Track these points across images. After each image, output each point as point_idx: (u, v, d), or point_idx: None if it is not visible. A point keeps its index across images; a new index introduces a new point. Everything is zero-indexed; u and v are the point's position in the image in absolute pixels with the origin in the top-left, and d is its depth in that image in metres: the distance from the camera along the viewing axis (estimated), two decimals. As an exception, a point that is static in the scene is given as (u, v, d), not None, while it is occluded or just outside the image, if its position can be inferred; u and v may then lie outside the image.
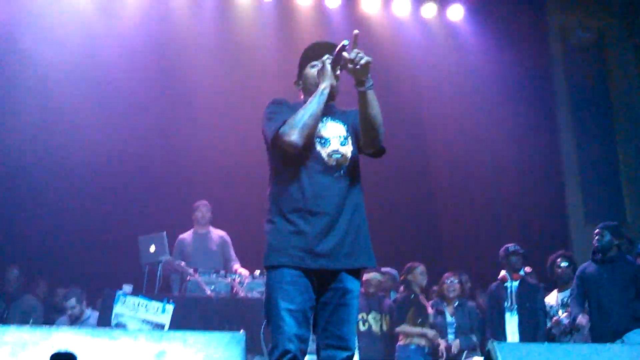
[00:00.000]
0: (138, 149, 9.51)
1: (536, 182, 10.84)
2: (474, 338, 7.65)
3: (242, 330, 3.58)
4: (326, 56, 3.47)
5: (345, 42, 3.36)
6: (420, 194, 10.91)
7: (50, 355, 2.99)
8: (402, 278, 7.76)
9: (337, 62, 3.41)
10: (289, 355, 3.15)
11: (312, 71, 3.60)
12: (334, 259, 3.28)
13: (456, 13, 11.12)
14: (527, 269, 7.93)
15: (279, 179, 3.45)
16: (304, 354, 3.22)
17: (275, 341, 3.19)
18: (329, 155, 3.43)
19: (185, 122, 9.84)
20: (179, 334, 3.19)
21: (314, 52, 3.63)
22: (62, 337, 3.07)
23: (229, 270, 7.61)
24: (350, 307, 3.34)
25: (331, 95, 3.50)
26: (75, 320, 7.36)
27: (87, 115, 9.36)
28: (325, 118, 3.51)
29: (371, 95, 3.37)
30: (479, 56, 11.05)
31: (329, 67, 3.43)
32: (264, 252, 3.38)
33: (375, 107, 3.39)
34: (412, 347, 7.36)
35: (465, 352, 7.55)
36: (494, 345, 3.27)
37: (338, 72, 3.48)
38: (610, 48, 12.09)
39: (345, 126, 3.56)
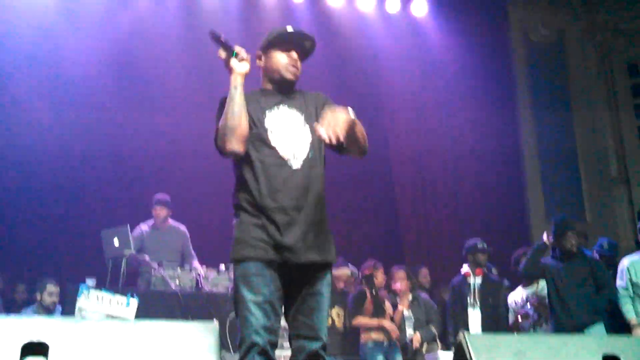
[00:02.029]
0: (101, 143, 9.40)
1: (497, 179, 10.98)
2: (433, 330, 7.73)
3: (214, 321, 3.56)
4: (219, 50, 3.37)
5: (211, 30, 3.34)
6: (381, 189, 10.96)
7: (21, 345, 2.94)
8: (366, 272, 7.75)
9: (228, 49, 3.33)
10: (256, 348, 3.11)
11: (276, 59, 3.49)
12: (297, 252, 3.23)
13: (420, 9, 11.20)
14: (494, 270, 8.01)
15: (239, 174, 3.39)
16: (274, 345, 3.18)
17: (243, 334, 3.16)
18: (285, 147, 3.35)
19: (148, 116, 9.73)
20: (151, 323, 3.16)
21: (281, 39, 3.51)
22: (32, 327, 3.01)
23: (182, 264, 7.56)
24: (319, 296, 3.30)
25: (284, 81, 3.48)
26: (47, 311, 7.32)
27: (47, 108, 9.24)
28: (279, 105, 3.44)
29: (357, 131, 3.30)
30: (442, 52, 11.16)
31: (224, 57, 3.35)
32: (231, 245, 3.33)
33: (362, 134, 3.35)
34: (370, 344, 7.37)
35: (425, 343, 7.64)
36: (464, 337, 3.29)
37: (243, 53, 3.35)
38: (570, 46, 12.28)
39: (303, 115, 3.46)
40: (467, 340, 3.27)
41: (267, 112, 3.41)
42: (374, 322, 7.38)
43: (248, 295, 3.17)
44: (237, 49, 3.36)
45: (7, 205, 8.95)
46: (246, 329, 3.14)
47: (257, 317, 3.13)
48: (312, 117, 3.46)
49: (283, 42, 3.51)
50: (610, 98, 12.13)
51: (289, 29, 3.52)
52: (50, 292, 7.43)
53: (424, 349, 7.63)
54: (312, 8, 10.78)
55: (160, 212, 7.97)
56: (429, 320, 7.79)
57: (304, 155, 3.37)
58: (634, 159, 11.70)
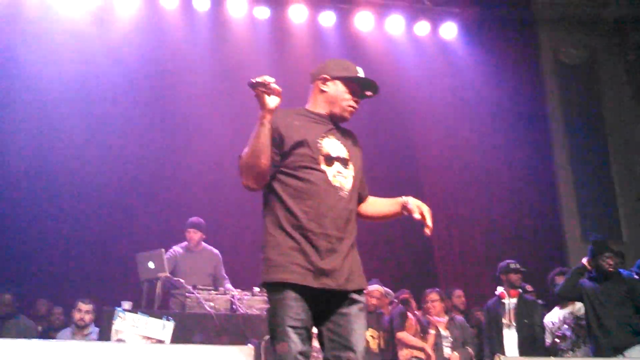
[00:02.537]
0: (135, 167, 9.52)
1: (532, 200, 10.91)
2: (470, 350, 7.69)
3: (249, 345, 3.56)
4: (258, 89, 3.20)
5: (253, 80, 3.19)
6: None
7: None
8: (404, 296, 7.78)
9: (260, 82, 3.18)
10: None
11: (339, 92, 3.49)
12: (335, 279, 3.21)
13: (449, 31, 11.19)
14: (528, 287, 7.98)
15: (282, 193, 3.31)
16: None
17: (281, 357, 3.14)
18: (334, 176, 3.35)
19: (182, 139, 9.87)
20: (188, 348, 3.18)
21: (354, 78, 3.52)
22: (73, 350, 3.04)
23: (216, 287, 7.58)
24: (356, 317, 3.28)
25: (341, 117, 3.52)
26: (82, 328, 7.37)
27: (82, 130, 9.39)
28: (328, 136, 3.44)
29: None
30: (472, 74, 11.14)
31: (259, 92, 3.19)
32: (263, 267, 3.27)
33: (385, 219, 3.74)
34: None
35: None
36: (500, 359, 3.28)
37: (274, 84, 3.22)
38: (601, 65, 12.22)
39: (348, 150, 3.47)
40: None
41: (319, 138, 3.40)
42: (419, 341, 7.40)
43: (287, 321, 3.14)
44: (268, 78, 3.21)
45: (46, 231, 9.07)
46: (284, 355, 3.12)
47: (295, 343, 3.11)
48: (358, 156, 3.53)
49: (355, 84, 3.52)
50: (644, 116, 12.05)
51: (362, 75, 3.53)
52: (80, 309, 7.46)
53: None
54: (341, 32, 10.85)
55: (194, 235, 8.00)
56: (465, 342, 7.75)
57: (349, 187, 3.40)
58: (669, 177, 11.58)
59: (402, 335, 7.48)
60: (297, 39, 10.75)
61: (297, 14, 10.60)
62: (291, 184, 3.32)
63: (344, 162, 3.42)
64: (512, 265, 7.62)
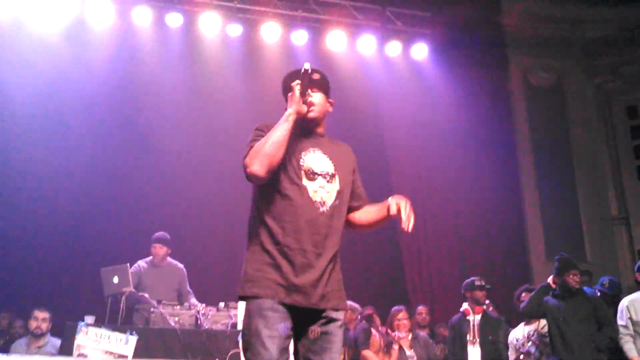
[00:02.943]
0: (101, 181, 9.46)
1: (499, 219, 11.02)
2: None
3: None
4: (295, 82, 3.37)
5: (307, 65, 3.36)
6: (383, 229, 10.94)
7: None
8: (368, 312, 7.75)
9: (305, 86, 3.36)
10: None
11: (293, 97, 3.45)
12: (308, 297, 3.20)
13: (420, 52, 11.25)
14: (487, 302, 8.03)
15: (264, 208, 3.34)
16: None
17: None
18: (315, 190, 3.33)
19: (149, 156, 9.81)
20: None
21: (289, 80, 3.51)
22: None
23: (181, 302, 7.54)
24: (333, 336, 3.27)
25: (315, 120, 3.49)
26: (38, 337, 7.28)
27: (50, 143, 9.31)
28: (313, 149, 3.44)
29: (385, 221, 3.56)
30: (442, 94, 11.23)
31: (297, 92, 3.33)
32: (240, 281, 3.29)
33: (375, 228, 3.65)
34: None
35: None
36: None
37: (311, 98, 3.42)
38: (570, 88, 12.40)
39: (334, 161, 3.46)
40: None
41: (303, 153, 3.40)
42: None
43: (263, 331, 3.12)
44: (311, 91, 3.42)
45: (7, 244, 8.97)
46: None
47: (271, 352, 3.09)
48: (345, 169, 3.50)
49: (299, 83, 3.45)
50: (610, 140, 12.22)
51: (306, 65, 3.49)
52: (37, 317, 7.35)
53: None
54: (313, 51, 10.86)
55: (160, 250, 7.97)
56: (429, 359, 7.75)
57: (331, 202, 3.37)
58: (633, 199, 11.75)
59: (366, 353, 7.46)
60: (269, 57, 10.77)
61: (270, 32, 10.60)
62: (271, 199, 3.33)
63: (329, 176, 3.41)
64: (477, 282, 7.69)
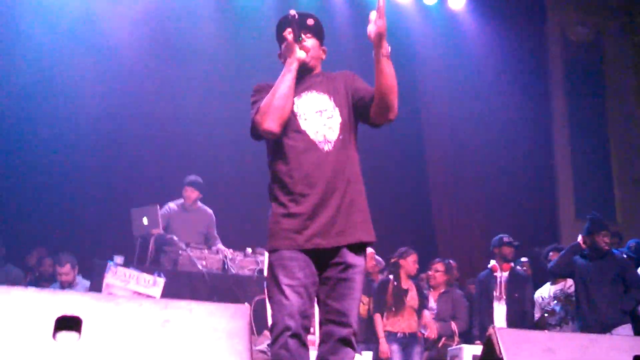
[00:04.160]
0: (132, 123, 9.48)
1: (529, 176, 10.93)
2: (452, 326, 7.68)
3: (246, 304, 3.55)
4: (287, 30, 3.36)
5: (292, 11, 3.34)
6: (414, 183, 10.92)
7: (55, 318, 2.95)
8: (392, 260, 7.71)
9: (297, 33, 3.35)
10: (289, 332, 3.06)
11: (282, 47, 3.48)
12: (326, 236, 3.19)
13: (457, 2, 11.09)
14: (523, 259, 8.01)
15: (272, 163, 3.37)
16: (307, 330, 3.15)
17: (276, 317, 3.12)
18: (315, 131, 3.31)
19: (182, 97, 9.79)
20: (184, 304, 3.15)
21: (280, 28, 3.49)
22: (66, 301, 3.02)
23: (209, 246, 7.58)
24: (351, 282, 3.23)
25: (307, 67, 3.44)
26: (67, 287, 7.38)
27: (83, 87, 9.32)
28: (306, 92, 3.41)
29: (384, 65, 3.21)
30: (478, 46, 11.09)
31: (291, 39, 3.34)
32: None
33: (387, 79, 3.22)
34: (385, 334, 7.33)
35: (443, 338, 7.61)
36: (495, 331, 3.26)
37: (306, 42, 3.42)
38: (608, 45, 12.15)
39: (332, 96, 3.41)
40: (497, 334, 3.24)
41: (295, 99, 3.37)
42: (380, 331, 7.30)
43: (283, 279, 3.14)
44: (304, 36, 3.41)
45: (39, 184, 9.05)
46: (280, 312, 3.11)
47: (291, 300, 3.10)
48: (342, 97, 3.43)
49: (289, 28, 3.41)
50: (647, 98, 12.01)
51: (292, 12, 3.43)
52: (60, 272, 7.45)
53: (440, 344, 7.60)
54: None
55: (191, 193, 7.98)
56: (455, 316, 7.75)
57: (335, 137, 3.33)
58: (668, 161, 11.59)
59: (376, 317, 7.43)
60: (304, 8, 10.60)
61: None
62: (277, 152, 3.34)
63: (327, 112, 3.37)
64: (506, 239, 7.66)
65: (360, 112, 3.42)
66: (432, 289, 7.94)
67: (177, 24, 10.12)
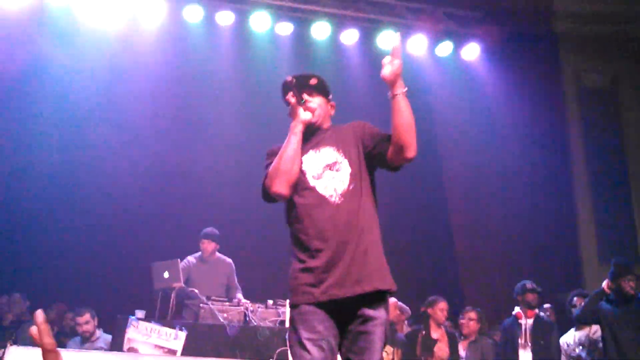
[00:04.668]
0: (153, 176, 9.57)
1: (551, 223, 10.82)
2: None
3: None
4: (289, 94, 3.52)
5: (289, 77, 3.49)
6: (438, 231, 10.90)
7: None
8: (422, 309, 7.70)
9: (298, 97, 3.48)
10: None
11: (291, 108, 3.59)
12: (342, 287, 3.19)
13: (471, 52, 11.17)
14: (547, 305, 7.91)
15: (289, 221, 3.43)
16: None
17: None
18: (325, 186, 3.36)
19: (200, 150, 9.90)
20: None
21: (284, 91, 3.62)
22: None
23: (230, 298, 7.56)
24: (371, 335, 3.21)
25: (315, 126, 3.53)
26: (88, 338, 7.39)
27: (105, 141, 9.51)
28: (314, 149, 3.48)
29: (400, 103, 3.30)
30: (494, 95, 11.13)
31: (294, 104, 3.49)
32: None
33: (403, 116, 3.27)
34: None
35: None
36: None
37: (310, 103, 3.51)
38: (624, 90, 12.13)
39: (339, 148, 3.46)
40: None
41: (303, 157, 3.45)
42: None
43: (304, 334, 3.16)
44: (306, 97, 3.51)
45: (62, 240, 9.12)
46: None
47: (313, 354, 3.12)
48: (352, 147, 3.47)
49: (289, 92, 3.57)
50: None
51: (288, 78, 3.57)
52: (79, 322, 7.47)
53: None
54: (363, 49, 10.86)
55: (208, 246, 8.03)
56: None
57: (344, 188, 3.35)
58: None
59: None
60: (319, 56, 10.77)
61: (320, 31, 10.61)
62: (291, 210, 3.41)
63: (335, 165, 3.41)
64: (529, 286, 7.60)
65: (378, 157, 3.44)
66: (463, 338, 7.87)
67: (195, 77, 10.28)
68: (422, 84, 10.96)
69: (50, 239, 9.13)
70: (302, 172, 3.41)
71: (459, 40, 11.14)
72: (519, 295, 7.63)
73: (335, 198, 3.33)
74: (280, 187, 3.35)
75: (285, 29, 10.50)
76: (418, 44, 11.00)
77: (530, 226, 10.78)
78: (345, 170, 3.40)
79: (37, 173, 9.16)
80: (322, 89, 3.62)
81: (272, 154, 3.50)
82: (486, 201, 10.94)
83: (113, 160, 9.46)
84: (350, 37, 10.74)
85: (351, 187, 3.36)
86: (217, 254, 8.11)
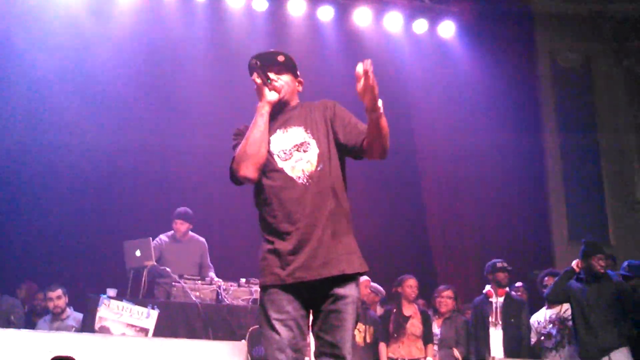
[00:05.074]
0: (125, 155, 9.46)
1: (522, 201, 10.90)
2: (456, 353, 7.64)
3: (242, 340, 3.54)
4: (254, 74, 3.43)
5: (253, 60, 3.41)
6: (411, 210, 10.91)
7: (50, 358, 2.94)
8: (392, 290, 7.74)
9: (264, 77, 3.39)
10: None
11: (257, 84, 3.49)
12: (309, 270, 3.16)
13: (447, 30, 11.15)
14: (518, 284, 7.98)
15: (257, 203, 3.38)
16: None
17: (267, 352, 3.16)
18: (292, 167, 3.30)
19: (172, 129, 9.80)
20: (181, 342, 3.15)
21: (249, 71, 3.54)
22: (59, 341, 3.02)
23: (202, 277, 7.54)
24: (342, 313, 3.19)
25: (282, 102, 3.46)
26: (58, 315, 7.34)
27: (76, 119, 9.34)
28: (282, 128, 3.42)
29: (382, 120, 3.17)
30: (469, 73, 11.12)
31: (259, 82, 3.40)
32: None
33: (383, 130, 3.19)
34: None
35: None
36: None
37: (277, 82, 3.43)
38: (598, 71, 12.21)
39: (308, 127, 3.41)
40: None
41: (271, 137, 3.38)
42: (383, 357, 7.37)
43: (273, 314, 3.16)
44: (272, 76, 3.43)
45: (30, 217, 9.03)
46: (270, 347, 3.15)
47: (281, 334, 3.13)
48: (321, 127, 3.42)
49: (255, 70, 3.48)
50: (637, 123, 12.03)
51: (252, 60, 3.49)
52: (51, 297, 7.41)
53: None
54: (339, 27, 10.81)
55: (181, 226, 7.97)
56: (458, 342, 7.70)
57: (313, 170, 3.30)
58: (659, 182, 11.60)
59: (380, 347, 7.47)
60: (295, 32, 10.70)
61: (296, 7, 10.55)
62: (258, 191, 3.36)
63: (302, 145, 3.36)
64: (499, 264, 7.65)
65: (347, 150, 3.39)
66: (438, 316, 7.92)
67: (170, 55, 10.18)
68: (397, 62, 10.97)
69: (19, 217, 9.03)
70: (269, 153, 3.33)
71: (435, 18, 11.12)
72: (489, 274, 7.68)
73: (303, 180, 3.27)
74: (247, 171, 3.28)
75: (261, 5, 10.40)
76: (394, 21, 10.96)
77: (502, 206, 10.82)
78: (313, 150, 3.35)
79: (4, 150, 9.02)
80: (289, 66, 3.54)
81: (239, 134, 3.43)
82: (459, 180, 10.96)
83: (84, 138, 9.31)
84: (325, 13, 10.67)
85: (319, 168, 3.30)
86: (190, 233, 8.06)
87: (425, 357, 7.39)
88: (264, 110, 3.36)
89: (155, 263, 7.30)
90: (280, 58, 3.51)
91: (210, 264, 7.95)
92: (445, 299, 7.91)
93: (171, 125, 9.82)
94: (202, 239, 8.10)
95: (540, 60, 12.13)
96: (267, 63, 3.48)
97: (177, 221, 7.98)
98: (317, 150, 3.35)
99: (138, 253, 7.25)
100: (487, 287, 7.68)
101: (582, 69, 12.32)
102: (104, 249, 8.52)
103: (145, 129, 9.62)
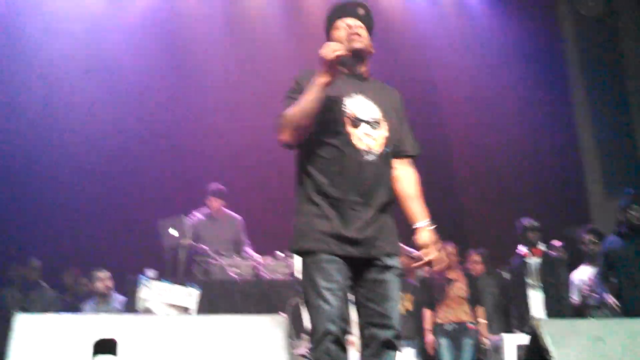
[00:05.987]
0: (156, 134, 9.50)
1: (554, 158, 10.74)
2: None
3: (283, 314, 3.53)
4: (339, 47, 3.10)
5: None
6: (440, 172, 10.84)
7: (93, 342, 2.95)
8: None
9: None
10: (331, 337, 3.02)
11: (336, 35, 3.35)
12: (358, 247, 3.14)
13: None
14: (557, 243, 7.90)
15: (306, 159, 3.27)
16: (346, 334, 3.11)
17: (315, 322, 3.07)
18: (359, 138, 3.20)
19: (202, 106, 9.82)
20: (219, 318, 3.15)
21: (335, 13, 3.40)
22: (102, 324, 3.03)
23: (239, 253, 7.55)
24: (389, 283, 3.19)
25: (357, 57, 3.32)
26: (105, 297, 7.42)
27: (102, 102, 9.38)
28: (356, 94, 3.28)
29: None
30: (490, 27, 10.98)
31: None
32: (292, 235, 3.25)
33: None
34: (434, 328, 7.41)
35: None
36: (540, 323, 3.21)
37: (360, 32, 3.30)
38: (621, 17, 11.92)
39: (380, 108, 3.30)
40: (543, 326, 3.19)
41: (345, 98, 3.27)
42: (427, 325, 7.40)
43: (322, 283, 3.08)
44: (351, 22, 3.31)
45: (66, 203, 9.10)
46: (320, 317, 3.06)
47: (332, 304, 3.05)
48: (393, 115, 3.36)
49: (336, 17, 3.39)
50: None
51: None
52: (101, 277, 7.50)
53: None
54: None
55: (215, 203, 7.95)
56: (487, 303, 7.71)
57: (378, 150, 3.25)
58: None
59: (424, 312, 7.50)
60: (313, 4, 10.57)
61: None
62: (315, 149, 3.25)
63: (374, 122, 3.27)
64: (527, 224, 7.59)
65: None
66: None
67: (189, 36, 10.19)
68: (417, 19, 10.89)
69: (56, 203, 9.11)
70: (341, 112, 3.23)
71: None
72: (520, 234, 7.62)
73: (367, 155, 3.21)
74: (290, 139, 3.20)
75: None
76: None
77: (535, 163, 10.69)
78: (382, 131, 3.29)
79: (32, 137, 9.07)
80: (368, 22, 3.39)
81: (300, 82, 3.28)
82: (488, 139, 10.83)
83: (115, 119, 9.34)
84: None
85: (383, 151, 3.28)
86: (225, 210, 8.04)
87: (475, 319, 7.38)
88: (323, 86, 3.10)
89: (192, 241, 7.32)
90: (361, 11, 3.38)
91: (246, 240, 7.95)
92: (472, 264, 7.89)
93: (200, 100, 9.81)
94: (238, 217, 8.07)
95: (560, 9, 11.87)
96: (344, 14, 3.35)
97: (211, 198, 7.96)
98: (386, 134, 3.30)
99: (173, 232, 7.27)
100: (522, 249, 7.60)
101: (605, 17, 12.03)
102: (137, 229, 8.57)
103: (174, 108, 9.64)
